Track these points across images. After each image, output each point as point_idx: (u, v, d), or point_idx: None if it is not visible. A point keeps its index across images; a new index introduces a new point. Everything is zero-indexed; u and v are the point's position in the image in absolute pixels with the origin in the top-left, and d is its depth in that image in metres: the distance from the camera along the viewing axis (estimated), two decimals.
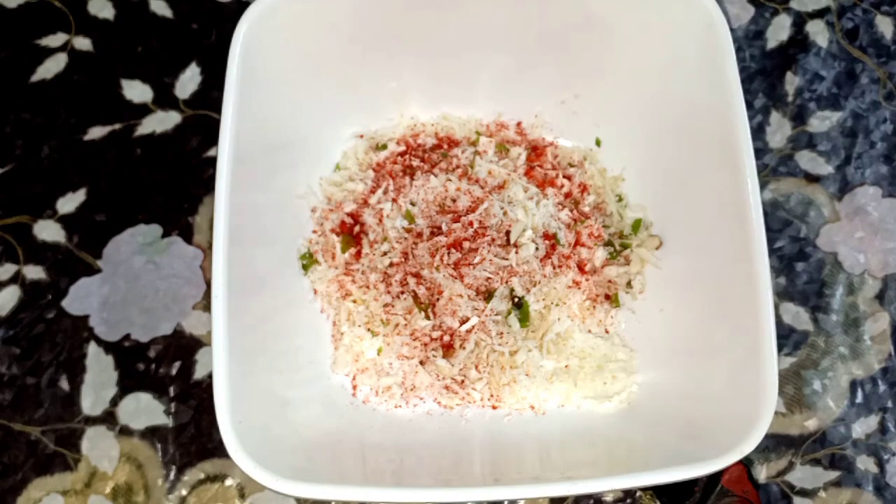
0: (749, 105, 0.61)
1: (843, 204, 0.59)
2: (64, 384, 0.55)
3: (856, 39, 0.63)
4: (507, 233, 0.49)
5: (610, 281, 0.51)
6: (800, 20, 0.64)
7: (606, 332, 0.51)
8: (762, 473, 0.54)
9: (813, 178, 0.60)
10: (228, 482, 0.54)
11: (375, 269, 0.49)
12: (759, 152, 0.60)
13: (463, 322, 0.48)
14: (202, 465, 0.54)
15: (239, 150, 0.42)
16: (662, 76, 0.48)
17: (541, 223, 0.50)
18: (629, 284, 0.51)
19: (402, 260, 0.49)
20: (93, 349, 0.56)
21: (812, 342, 0.57)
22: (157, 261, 0.58)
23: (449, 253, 0.48)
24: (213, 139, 0.60)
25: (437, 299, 0.48)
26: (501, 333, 0.48)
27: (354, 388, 0.49)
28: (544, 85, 0.53)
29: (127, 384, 0.55)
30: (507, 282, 0.48)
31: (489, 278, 0.48)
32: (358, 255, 0.50)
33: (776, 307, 0.57)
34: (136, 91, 0.62)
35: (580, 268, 0.50)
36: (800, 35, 0.63)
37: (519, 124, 0.55)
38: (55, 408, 0.55)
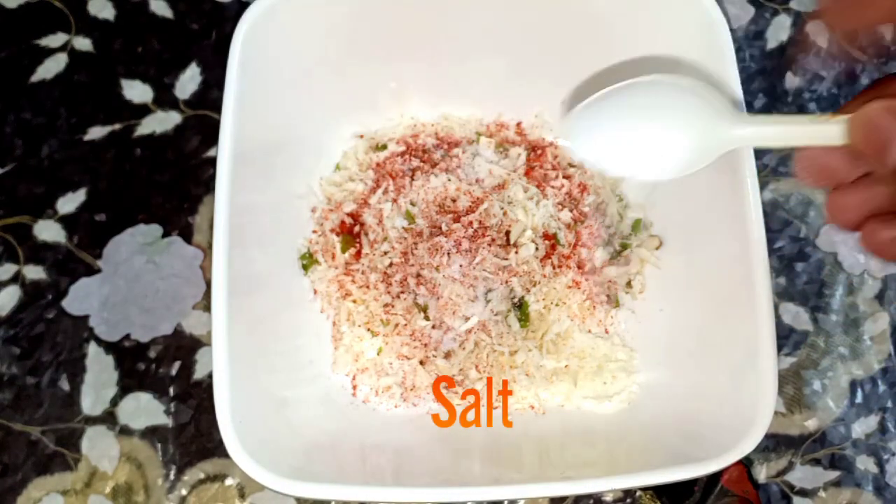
0: (749, 105, 0.61)
1: None
2: (64, 384, 0.55)
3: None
4: (507, 233, 0.49)
5: (610, 281, 0.51)
6: (800, 20, 0.64)
7: (606, 332, 0.51)
8: (762, 473, 0.54)
9: None
10: (228, 482, 0.54)
11: (375, 269, 0.49)
12: (759, 152, 0.60)
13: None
14: (202, 465, 0.54)
15: (239, 150, 0.42)
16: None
17: (541, 223, 0.50)
18: (629, 284, 0.51)
19: (402, 260, 0.49)
20: (93, 349, 0.56)
21: (812, 342, 0.57)
22: (157, 261, 0.58)
23: (449, 253, 0.48)
24: (213, 139, 0.60)
25: (437, 299, 0.48)
26: (501, 333, 0.48)
27: (354, 388, 0.49)
28: (544, 85, 0.53)
29: (127, 384, 0.55)
30: (507, 282, 0.48)
31: (489, 278, 0.48)
32: (358, 255, 0.50)
33: (776, 307, 0.57)
34: (136, 91, 0.62)
35: (580, 268, 0.50)
36: (800, 35, 0.63)
37: (519, 124, 0.55)
38: (55, 408, 0.55)
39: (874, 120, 0.24)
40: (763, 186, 0.59)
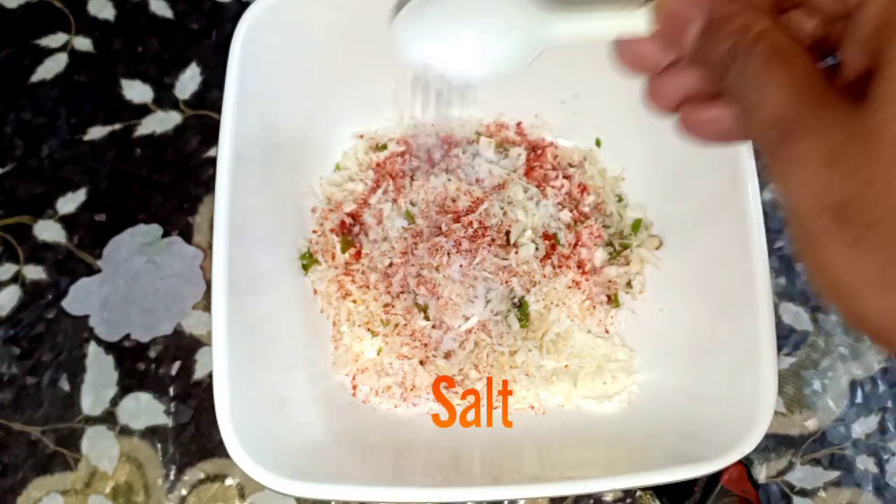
0: None
1: None
2: (64, 384, 0.55)
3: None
4: (507, 233, 0.49)
5: (610, 281, 0.51)
6: None
7: (606, 332, 0.51)
8: (762, 473, 0.54)
9: None
10: (228, 482, 0.54)
11: (375, 269, 0.49)
12: (760, 152, 0.60)
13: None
14: (202, 465, 0.54)
15: (239, 150, 0.42)
16: None
17: (541, 223, 0.50)
18: (629, 284, 0.51)
19: (402, 260, 0.49)
20: (93, 349, 0.56)
21: (812, 342, 0.57)
22: (157, 261, 0.58)
23: (449, 253, 0.48)
24: (213, 139, 0.60)
25: (437, 299, 0.48)
26: (501, 333, 0.48)
27: (354, 388, 0.49)
28: (544, 85, 0.53)
29: (127, 384, 0.55)
30: (507, 282, 0.48)
31: (489, 278, 0.48)
32: (358, 255, 0.50)
33: (776, 307, 0.57)
34: (136, 91, 0.62)
35: (580, 268, 0.50)
36: None
37: (519, 124, 0.55)
38: (55, 408, 0.55)
39: (669, 5, 0.25)
40: (763, 186, 0.59)
